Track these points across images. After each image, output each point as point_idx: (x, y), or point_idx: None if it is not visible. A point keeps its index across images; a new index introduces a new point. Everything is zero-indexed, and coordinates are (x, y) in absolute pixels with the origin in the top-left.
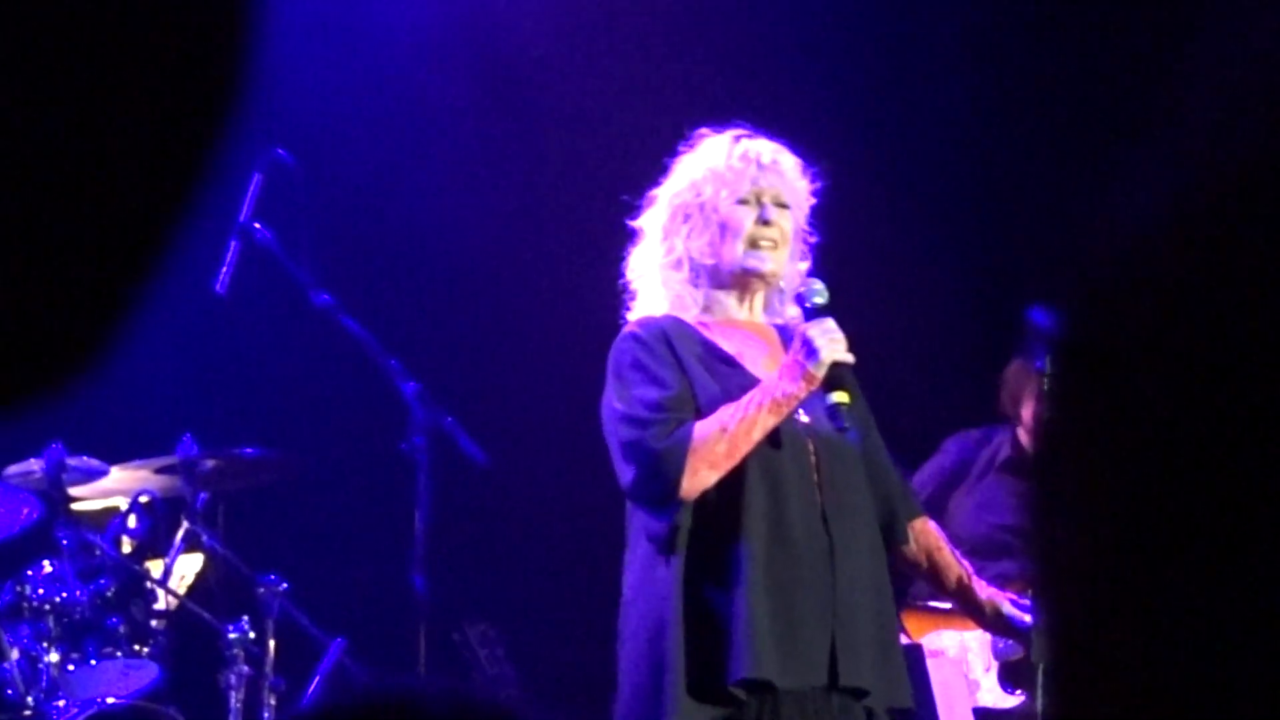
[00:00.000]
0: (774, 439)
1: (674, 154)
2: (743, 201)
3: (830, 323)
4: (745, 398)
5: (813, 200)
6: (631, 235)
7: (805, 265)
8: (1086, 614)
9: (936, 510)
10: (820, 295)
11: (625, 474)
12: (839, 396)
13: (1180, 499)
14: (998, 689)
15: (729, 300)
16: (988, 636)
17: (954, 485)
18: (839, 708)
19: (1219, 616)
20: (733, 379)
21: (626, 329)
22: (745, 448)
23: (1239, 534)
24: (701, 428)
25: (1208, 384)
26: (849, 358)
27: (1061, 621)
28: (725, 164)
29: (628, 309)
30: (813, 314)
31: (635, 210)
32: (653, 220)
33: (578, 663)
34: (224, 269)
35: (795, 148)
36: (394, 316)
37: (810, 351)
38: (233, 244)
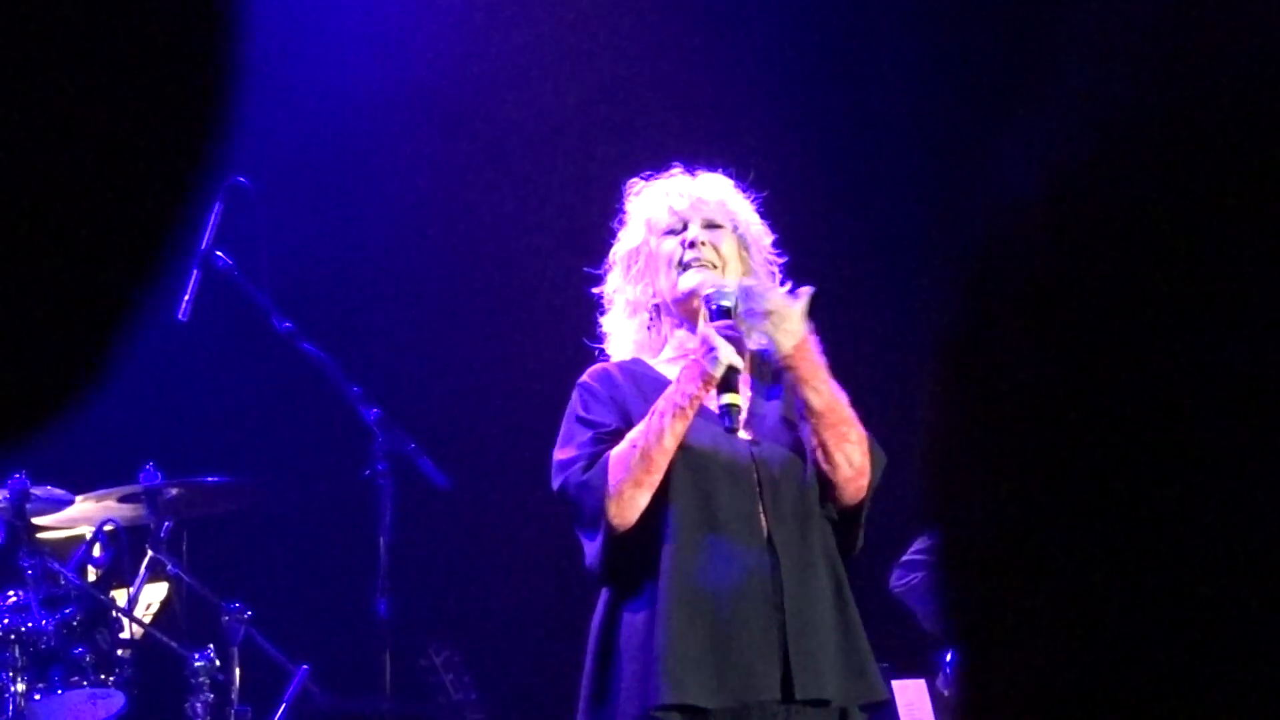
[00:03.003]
0: (717, 461)
1: (621, 200)
2: (670, 232)
3: (729, 325)
4: (651, 409)
5: (761, 224)
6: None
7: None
8: (988, 611)
9: None
10: (727, 299)
11: (567, 512)
12: (730, 398)
13: (1072, 488)
14: None
15: (685, 334)
16: None
17: None
18: (798, 718)
19: (1114, 602)
20: None
21: (579, 379)
22: (662, 458)
23: (1134, 519)
24: (615, 451)
25: (1086, 369)
26: (739, 361)
27: (967, 627)
28: (652, 208)
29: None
30: (718, 315)
31: (597, 279)
32: (610, 281)
33: (542, 687)
34: (185, 297)
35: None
36: (356, 342)
37: (709, 352)
38: (194, 272)
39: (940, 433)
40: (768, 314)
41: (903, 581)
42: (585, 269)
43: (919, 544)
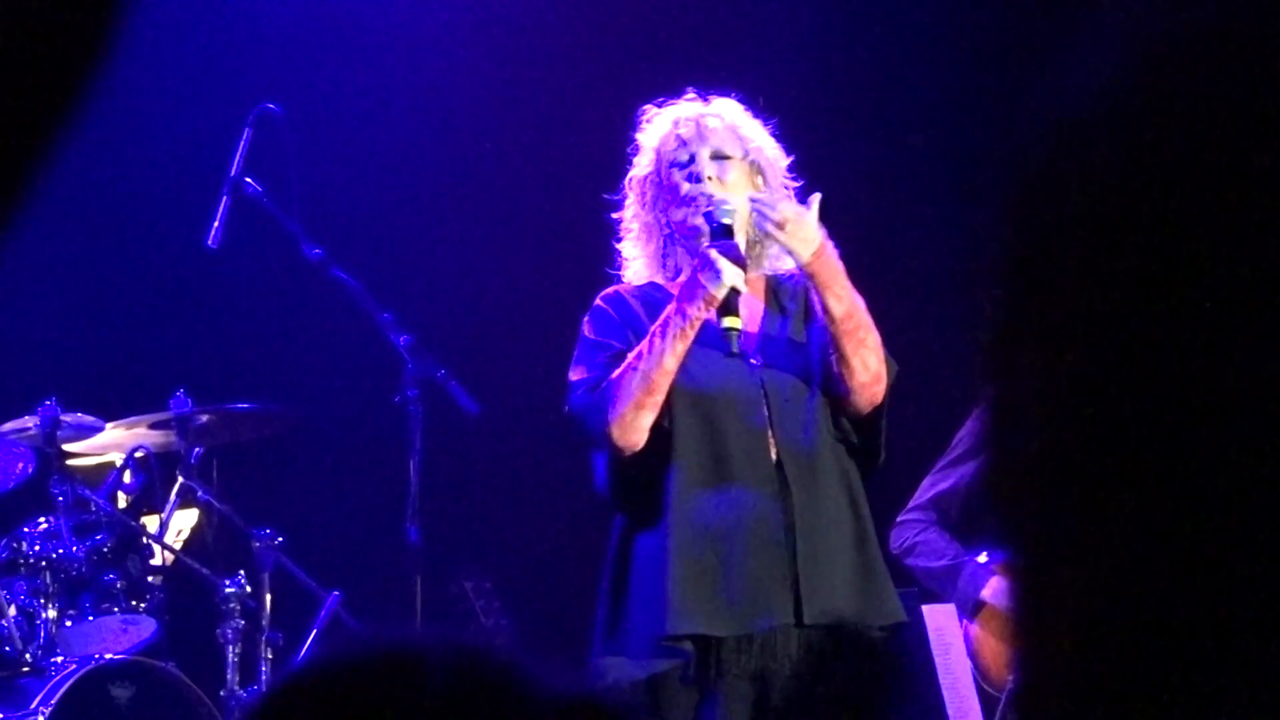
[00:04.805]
0: (724, 387)
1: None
2: (678, 165)
3: (732, 245)
4: (650, 330)
5: (776, 147)
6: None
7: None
8: (1041, 526)
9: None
10: (727, 216)
11: (575, 434)
12: (730, 321)
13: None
14: None
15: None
16: None
17: None
18: (808, 642)
19: (1170, 527)
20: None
21: (593, 302)
22: (663, 379)
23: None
24: (617, 373)
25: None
26: (742, 283)
27: (1019, 535)
28: (661, 137)
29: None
30: (719, 233)
31: (617, 204)
32: (627, 208)
33: (573, 615)
34: (215, 223)
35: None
36: (386, 269)
37: (710, 270)
38: (224, 198)
39: (1001, 350)
40: (781, 224)
41: (900, 542)
42: (607, 196)
43: (915, 501)
